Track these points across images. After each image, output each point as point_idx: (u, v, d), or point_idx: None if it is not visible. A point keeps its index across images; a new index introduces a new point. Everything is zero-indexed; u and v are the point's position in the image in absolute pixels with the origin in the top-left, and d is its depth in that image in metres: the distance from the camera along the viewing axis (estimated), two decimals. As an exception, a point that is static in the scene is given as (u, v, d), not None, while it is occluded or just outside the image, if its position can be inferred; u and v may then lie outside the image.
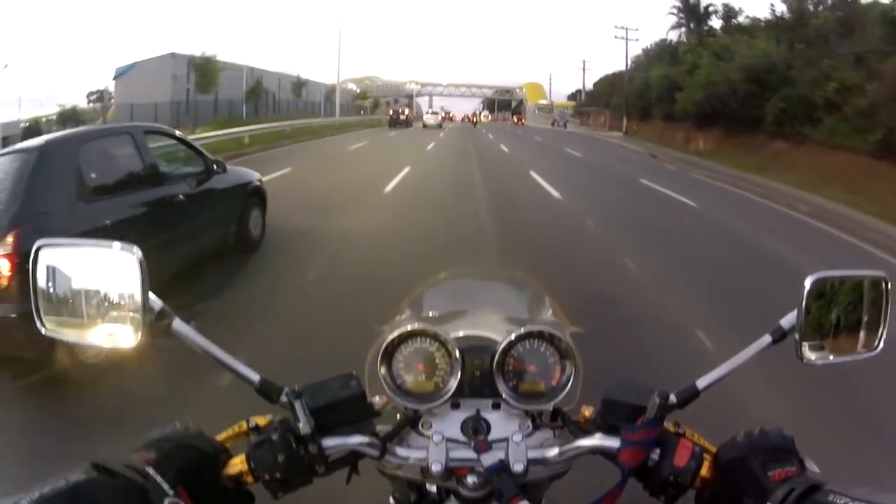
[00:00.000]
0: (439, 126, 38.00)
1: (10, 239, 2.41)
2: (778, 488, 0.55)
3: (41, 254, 0.64)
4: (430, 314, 0.95)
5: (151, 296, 0.62)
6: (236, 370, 0.66)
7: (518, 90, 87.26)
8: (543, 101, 76.01)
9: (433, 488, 0.80)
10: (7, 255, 2.42)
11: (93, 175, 3.37)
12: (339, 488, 0.75)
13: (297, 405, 0.63)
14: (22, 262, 2.48)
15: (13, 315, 2.40)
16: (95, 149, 3.57)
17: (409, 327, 0.74)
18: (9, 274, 2.44)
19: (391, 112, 39.92)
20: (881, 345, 0.71)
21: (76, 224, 3.07)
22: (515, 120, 63.86)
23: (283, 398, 0.65)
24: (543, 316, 0.96)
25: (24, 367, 2.62)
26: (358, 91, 60.62)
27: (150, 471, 0.54)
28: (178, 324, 0.64)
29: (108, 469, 0.53)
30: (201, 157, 4.80)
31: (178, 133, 4.95)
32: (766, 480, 0.57)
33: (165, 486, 0.53)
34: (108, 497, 0.50)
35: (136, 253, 0.61)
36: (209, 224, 4.63)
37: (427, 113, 45.55)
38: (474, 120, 54.32)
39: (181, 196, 4.11)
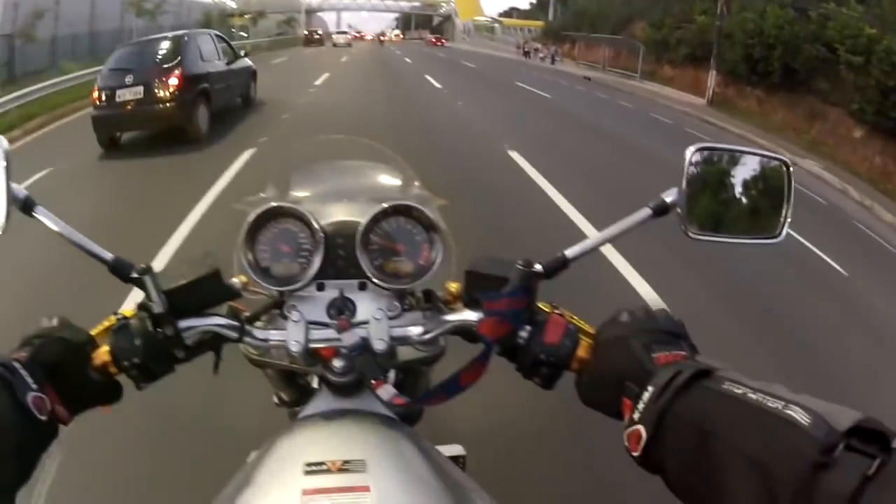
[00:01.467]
0: (348, 45, 40.42)
1: (176, 72, 7.10)
2: (662, 371, 0.53)
3: None
4: (294, 193, 0.94)
5: (14, 185, 0.65)
6: (90, 250, 0.68)
7: (444, 4, 76.31)
8: (481, 18, 66.14)
9: (315, 385, 0.86)
10: (177, 77, 6.99)
11: (201, 51, 8.28)
12: (223, 391, 0.98)
13: (148, 281, 0.65)
14: (184, 87, 7.09)
15: (178, 105, 7.26)
16: (199, 38, 8.61)
17: (268, 206, 0.73)
18: (178, 83, 7.12)
19: (306, 32, 45.57)
20: (783, 233, 0.70)
21: (199, 68, 7.84)
22: (433, 40, 52.35)
23: (134, 275, 0.66)
24: (409, 192, 0.96)
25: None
26: (234, 6, 48.75)
27: (17, 365, 0.57)
28: (39, 210, 0.67)
29: None
30: (232, 48, 9.82)
31: (223, 35, 10.21)
32: (650, 362, 0.56)
33: (29, 381, 0.57)
34: None
35: (2, 143, 0.64)
36: (236, 84, 9.58)
37: (335, 33, 48.03)
38: (381, 39, 54.61)
39: (228, 66, 9.14)
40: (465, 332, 0.70)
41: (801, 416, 0.43)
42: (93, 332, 0.68)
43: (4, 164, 0.64)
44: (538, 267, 0.66)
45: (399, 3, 79.87)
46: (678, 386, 0.51)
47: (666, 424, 0.51)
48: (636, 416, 0.53)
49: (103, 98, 7.43)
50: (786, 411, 0.44)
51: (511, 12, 65.21)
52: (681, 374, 0.51)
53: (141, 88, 7.38)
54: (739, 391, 0.48)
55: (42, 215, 0.68)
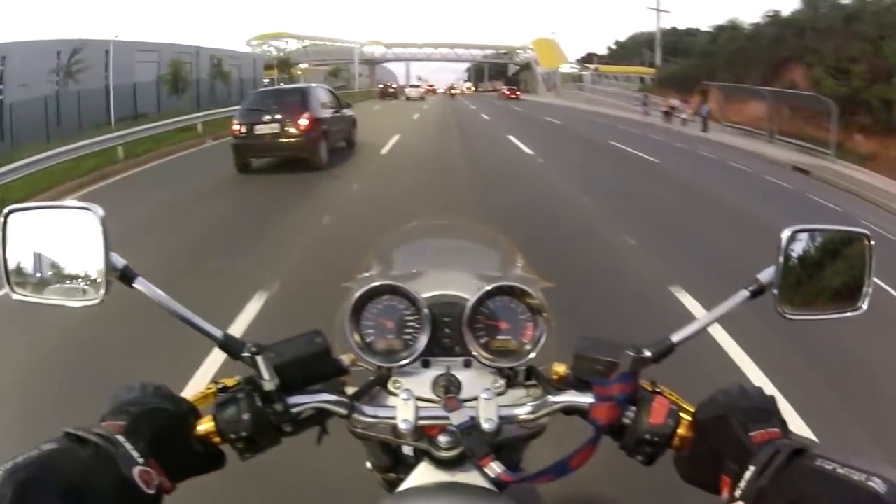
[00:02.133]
0: (422, 98, 43.83)
1: (306, 115, 9.50)
2: (760, 450, 0.57)
3: (10, 220, 0.69)
4: (398, 271, 0.97)
5: (114, 254, 0.67)
6: (199, 326, 0.69)
7: (521, 51, 71.22)
8: (566, 66, 56.67)
9: (409, 451, 0.86)
10: (309, 119, 9.41)
11: (321, 100, 10.80)
12: (315, 454, 0.85)
13: (260, 360, 0.67)
14: (312, 126, 9.60)
15: (302, 144, 9.77)
16: (319, 90, 11.49)
17: (376, 284, 0.77)
18: (307, 124, 9.58)
19: (381, 86, 52.83)
20: (865, 305, 0.73)
21: (321, 113, 10.35)
22: (507, 92, 49.10)
23: (246, 353, 0.68)
24: (514, 272, 0.99)
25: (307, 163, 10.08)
26: (273, 51, 49.93)
27: (121, 439, 0.58)
28: (140, 281, 0.68)
29: (81, 438, 0.57)
30: (338, 99, 12.25)
31: (333, 90, 13.25)
32: (747, 441, 0.59)
33: (135, 455, 0.57)
34: (79, 465, 0.55)
35: (97, 212, 0.67)
36: (343, 129, 11.91)
37: (407, 86, 54.50)
38: (452, 92, 57.69)
39: (337, 113, 11.51)
40: (573, 412, 0.71)
41: (879, 486, 0.50)
42: (191, 399, 0.69)
43: (102, 231, 0.66)
44: (647, 353, 0.68)
45: (471, 52, 76.06)
46: (778, 466, 0.55)
47: (765, 501, 0.55)
48: (737, 493, 0.56)
49: (243, 130, 9.95)
50: (868, 483, 0.50)
51: (590, 58, 59.31)
52: (779, 454, 0.55)
53: (277, 125, 9.85)
54: (829, 467, 0.52)
55: (142, 286, 0.68)
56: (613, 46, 65.31)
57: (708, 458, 0.63)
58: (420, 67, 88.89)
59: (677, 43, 45.75)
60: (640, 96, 30.56)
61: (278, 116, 9.90)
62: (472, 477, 0.71)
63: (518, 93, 50.67)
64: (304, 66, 49.27)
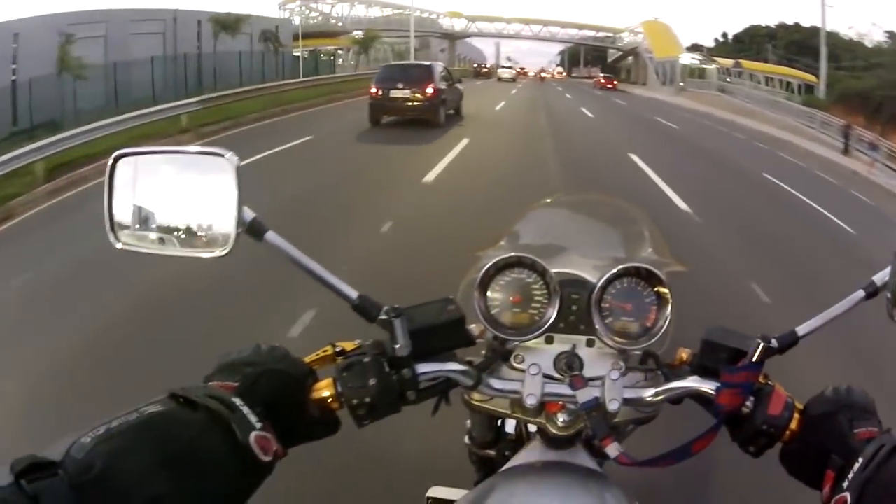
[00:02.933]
0: (513, 80, 45.69)
1: (431, 85, 13.04)
2: (865, 446, 0.61)
3: (119, 164, 0.67)
4: (529, 244, 0.98)
5: (246, 208, 0.65)
6: (333, 285, 0.69)
7: (625, 35, 61.94)
8: (686, 57, 45.51)
9: (511, 429, 0.92)
10: (433, 88, 13.03)
11: (441, 74, 14.47)
12: (411, 425, 0.87)
13: (397, 325, 0.67)
14: (436, 93, 13.45)
15: (435, 105, 13.50)
16: (438, 67, 15.12)
17: (507, 255, 0.79)
18: (432, 92, 13.19)
19: (475, 65, 58.09)
20: None
21: (441, 85, 14.06)
22: (603, 81, 44.62)
23: (383, 316, 0.68)
24: (645, 252, 0.98)
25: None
26: (298, 19, 41.15)
27: (237, 401, 0.57)
28: (271, 235, 0.67)
29: (190, 400, 0.55)
30: (451, 76, 15.81)
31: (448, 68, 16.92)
32: (853, 437, 0.64)
33: (253, 419, 0.56)
34: (187, 431, 0.52)
35: (232, 159, 0.65)
36: (454, 100, 15.32)
37: (500, 67, 56.52)
38: (542, 76, 58.90)
39: (450, 87, 15.06)
40: (694, 397, 0.73)
41: None
42: (307, 361, 0.70)
43: (236, 181, 0.65)
44: (774, 343, 0.70)
45: (566, 31, 65.35)
46: (882, 458, 0.59)
47: (868, 492, 0.59)
48: (844, 484, 0.61)
49: (380, 94, 13.58)
50: None
51: (698, 49, 50.95)
52: (883, 448, 0.60)
53: (408, 91, 13.39)
54: None
55: (274, 240, 0.67)
56: (721, 38, 56.29)
57: (815, 452, 0.67)
58: (509, 47, 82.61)
59: (805, 42, 39.99)
60: (816, 115, 20.72)
61: (410, 84, 13.49)
62: (579, 457, 0.75)
63: (615, 82, 45.76)
64: (357, 34, 40.56)
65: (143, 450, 0.49)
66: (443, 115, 14.06)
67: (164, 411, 0.53)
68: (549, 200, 1.20)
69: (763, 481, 0.81)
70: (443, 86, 14.39)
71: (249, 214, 0.67)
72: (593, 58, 73.96)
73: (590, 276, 0.84)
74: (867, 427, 0.66)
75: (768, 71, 40.79)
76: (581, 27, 65.52)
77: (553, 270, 0.80)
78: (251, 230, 0.67)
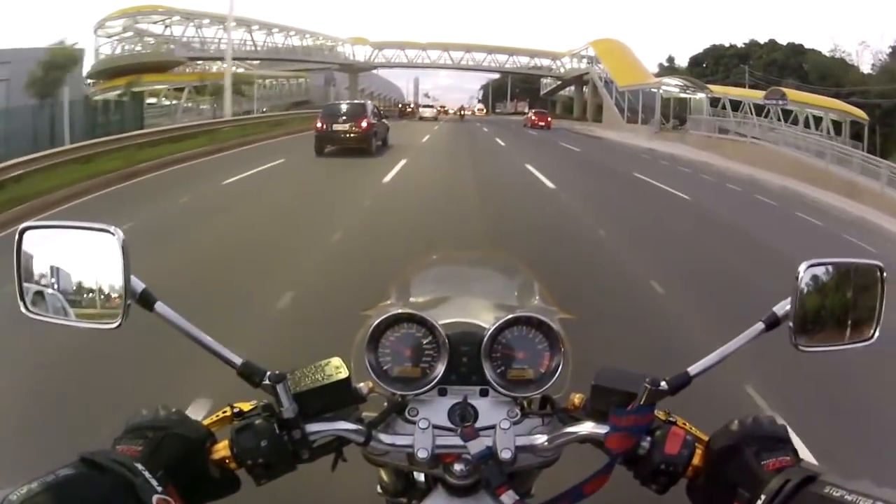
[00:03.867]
0: (435, 119, 45.62)
1: (365, 120, 16.11)
2: (773, 478, 0.62)
3: (26, 237, 0.71)
4: (417, 299, 1.03)
5: (133, 278, 0.68)
6: (218, 353, 0.72)
7: (566, 60, 52.28)
8: (676, 81, 34.03)
9: (421, 477, 0.91)
10: (367, 123, 16.10)
11: (372, 111, 17.63)
12: (325, 477, 0.89)
13: (280, 389, 0.70)
14: (369, 127, 16.57)
15: (368, 136, 16.42)
16: (370, 105, 18.73)
17: (395, 311, 0.82)
18: (366, 125, 16.27)
19: (399, 105, 58.81)
20: (877, 334, 0.78)
21: (372, 120, 17.09)
22: (534, 119, 37.42)
23: (266, 381, 0.71)
24: (532, 301, 1.04)
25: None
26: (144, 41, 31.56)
27: (139, 466, 0.61)
28: (160, 306, 0.70)
29: (98, 464, 0.59)
30: (380, 112, 20.05)
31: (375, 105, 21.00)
32: (760, 470, 0.64)
33: (154, 483, 0.60)
34: (96, 493, 0.57)
35: (118, 234, 0.68)
36: (382, 132, 18.18)
37: (422, 106, 56.81)
38: (462, 113, 58.00)
39: (379, 121, 18.08)
40: (589, 442, 0.75)
41: None
42: (205, 423, 0.72)
43: (122, 254, 0.68)
44: (664, 385, 0.72)
45: (494, 58, 54.13)
46: (787, 493, 0.59)
47: None
48: None
49: (325, 127, 16.08)
50: None
51: (664, 73, 42.71)
52: (790, 482, 0.60)
53: (348, 125, 16.06)
54: (838, 494, 0.57)
55: (163, 311, 0.71)
56: (666, 63, 53.01)
57: (721, 486, 0.67)
58: (428, 83, 76.79)
59: (786, 62, 38.05)
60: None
61: (348, 120, 16.37)
62: (484, 503, 0.75)
63: (549, 119, 37.87)
64: (221, 66, 27.59)
65: None
66: (374, 145, 16.83)
67: (76, 474, 0.58)
68: (434, 256, 1.25)
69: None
70: (374, 120, 17.12)
71: (140, 286, 0.70)
72: (522, 90, 68.89)
73: (482, 326, 0.85)
74: (777, 457, 0.66)
75: (808, 102, 28.46)
76: (512, 52, 55.02)
77: (443, 322, 0.83)
78: (142, 301, 0.70)
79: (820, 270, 0.78)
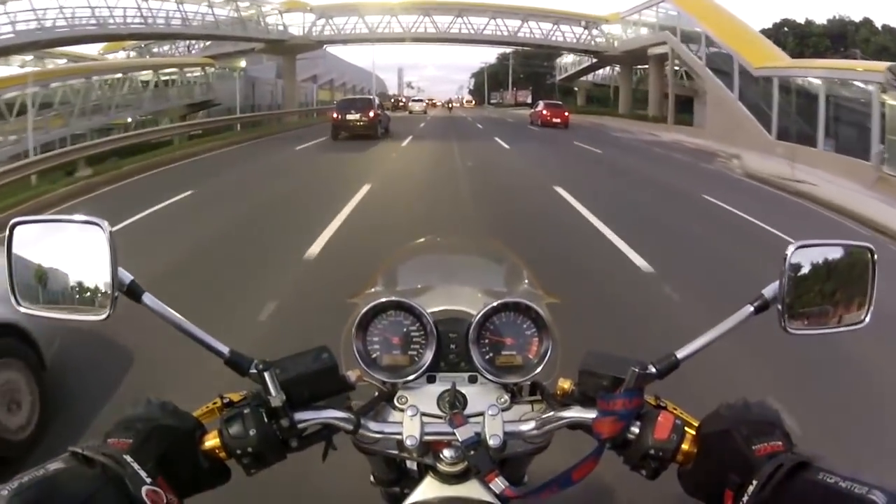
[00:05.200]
0: (424, 112, 45.22)
1: (372, 111, 19.63)
2: (764, 464, 0.60)
3: (16, 232, 0.70)
4: (404, 287, 1.01)
5: (121, 270, 0.68)
6: (205, 342, 0.71)
7: (611, 28, 34.35)
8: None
9: (413, 466, 0.88)
10: (374, 113, 19.45)
11: (378, 103, 21.59)
12: (317, 470, 0.86)
13: (267, 377, 0.69)
14: (376, 117, 19.73)
15: (374, 124, 19.67)
16: (377, 99, 23.01)
17: (382, 300, 0.80)
18: (373, 115, 19.57)
19: (393, 99, 57.34)
20: (868, 318, 0.76)
21: (378, 111, 20.57)
22: (546, 114, 27.01)
23: (253, 370, 0.70)
24: (520, 287, 1.02)
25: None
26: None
27: (128, 458, 0.60)
28: (147, 297, 0.69)
29: (87, 457, 0.59)
30: (382, 105, 22.85)
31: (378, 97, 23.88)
32: (751, 454, 0.62)
33: (143, 475, 0.60)
34: (86, 486, 0.57)
35: (105, 227, 0.67)
36: (384, 121, 21.19)
37: (412, 100, 55.20)
38: (449, 105, 56.76)
39: (384, 112, 21.97)
40: (578, 427, 0.73)
41: (879, 499, 0.53)
42: (195, 413, 0.71)
43: (109, 246, 0.67)
44: (652, 369, 0.71)
45: (501, 24, 35.22)
46: (779, 479, 0.58)
47: None
48: None
49: (339, 117, 18.62)
50: (869, 496, 0.53)
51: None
52: (782, 468, 0.58)
53: (358, 115, 18.77)
54: (832, 481, 0.56)
55: (150, 302, 0.69)
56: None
57: (712, 472, 0.65)
58: (415, 74, 64.61)
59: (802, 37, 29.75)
60: None
61: (359, 111, 19.15)
62: (475, 491, 0.74)
63: (566, 114, 26.76)
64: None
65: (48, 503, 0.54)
66: (380, 131, 19.41)
67: (67, 468, 0.58)
68: (421, 241, 1.19)
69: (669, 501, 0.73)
70: (379, 111, 20.00)
71: (127, 277, 0.68)
72: (526, 76, 53.83)
73: (469, 312, 0.83)
74: (768, 442, 0.63)
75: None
76: (529, 13, 34.98)
77: (431, 310, 0.81)
78: (129, 293, 0.69)
79: (810, 252, 0.75)
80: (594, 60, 39.61)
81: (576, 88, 47.56)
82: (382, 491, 1.02)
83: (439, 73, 67.75)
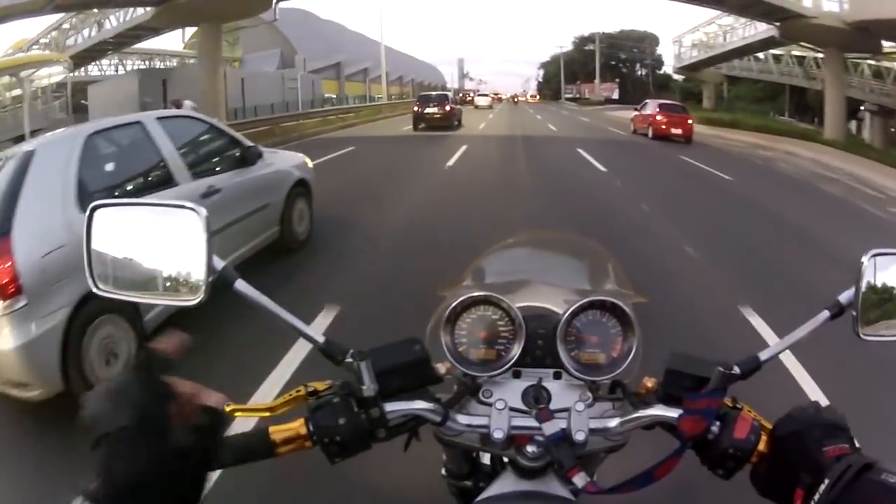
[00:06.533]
0: (490, 107, 43.81)
1: (448, 105, 22.28)
2: (834, 465, 0.62)
3: (96, 214, 0.69)
4: (493, 282, 1.01)
5: (215, 258, 0.68)
6: (301, 330, 0.70)
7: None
8: None
9: (486, 460, 0.89)
10: (450, 107, 22.20)
11: (453, 98, 24.14)
12: (389, 458, 0.87)
13: (363, 367, 0.69)
14: (452, 110, 21.57)
15: (450, 116, 22.02)
16: (451, 94, 26.50)
17: (473, 294, 0.80)
18: (449, 109, 21.59)
19: (461, 94, 55.07)
20: None
21: (453, 105, 23.06)
22: (662, 119, 18.80)
23: (349, 359, 0.70)
24: (607, 285, 1.02)
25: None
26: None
27: None
28: (240, 284, 0.69)
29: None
30: (457, 99, 25.80)
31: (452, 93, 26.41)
32: (822, 456, 0.64)
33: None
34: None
35: (202, 212, 0.67)
36: (458, 114, 23.30)
37: (477, 95, 54.66)
38: (516, 100, 56.13)
39: (457, 105, 23.46)
40: (660, 425, 0.73)
41: None
42: (278, 401, 0.70)
43: (205, 232, 0.67)
44: (736, 369, 0.71)
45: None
46: (848, 479, 0.60)
47: None
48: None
49: (419, 110, 20.12)
50: None
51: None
52: (850, 468, 0.60)
53: (436, 109, 20.07)
54: (893, 480, 0.58)
55: (244, 289, 0.68)
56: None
57: (784, 472, 0.67)
58: (477, 67, 59.41)
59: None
60: None
61: (437, 105, 20.42)
62: (551, 486, 0.74)
63: (690, 122, 18.74)
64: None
65: None
66: (455, 123, 20.48)
67: None
68: (511, 239, 1.20)
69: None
70: (454, 105, 21.28)
71: (220, 263, 0.68)
72: (605, 66, 45.01)
73: (556, 310, 0.82)
74: (837, 444, 0.65)
75: None
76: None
77: (518, 305, 0.79)
78: (221, 279, 0.68)
79: (886, 260, 0.76)
80: (770, 34, 23.03)
81: (704, 82, 31.25)
82: (450, 484, 1.02)
83: (502, 65, 62.51)
